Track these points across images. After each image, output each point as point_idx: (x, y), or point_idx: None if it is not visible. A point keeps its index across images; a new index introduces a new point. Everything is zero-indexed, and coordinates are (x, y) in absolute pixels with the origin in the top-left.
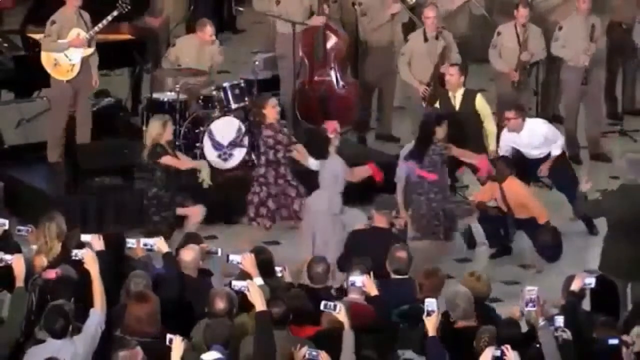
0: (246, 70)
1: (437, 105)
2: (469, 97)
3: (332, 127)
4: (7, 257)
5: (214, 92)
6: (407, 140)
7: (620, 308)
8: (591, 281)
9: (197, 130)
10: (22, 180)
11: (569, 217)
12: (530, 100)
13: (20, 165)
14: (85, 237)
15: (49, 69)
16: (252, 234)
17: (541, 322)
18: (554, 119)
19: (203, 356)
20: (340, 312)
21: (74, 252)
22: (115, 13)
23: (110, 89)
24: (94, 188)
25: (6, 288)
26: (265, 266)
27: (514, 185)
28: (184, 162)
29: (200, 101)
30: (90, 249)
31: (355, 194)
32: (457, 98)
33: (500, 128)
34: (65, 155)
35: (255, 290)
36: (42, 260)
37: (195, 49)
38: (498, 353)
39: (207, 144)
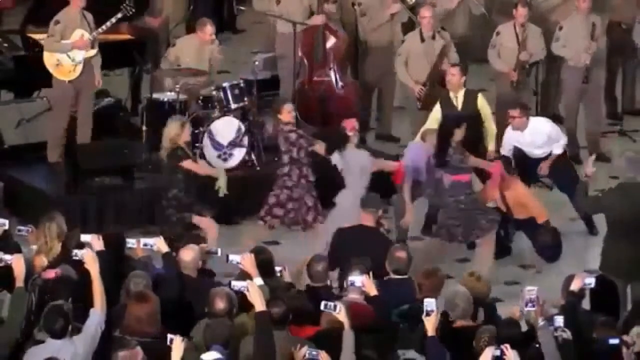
0: (246, 70)
1: (437, 106)
2: (470, 98)
3: (350, 125)
4: (7, 257)
5: (214, 92)
6: (407, 140)
7: (620, 308)
8: (591, 281)
9: (197, 131)
10: (22, 180)
11: (569, 217)
12: (529, 100)
13: (20, 165)
14: (85, 237)
15: (51, 69)
16: (252, 234)
17: (541, 322)
18: (554, 118)
19: (203, 356)
20: (340, 312)
21: (74, 252)
22: (119, 15)
23: (110, 89)
24: (94, 188)
25: (6, 288)
26: (265, 266)
27: (513, 184)
28: (203, 168)
29: (200, 101)
30: (90, 249)
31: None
32: (458, 99)
33: (499, 128)
34: (65, 155)
35: (255, 290)
36: (42, 260)
37: (195, 49)
38: (498, 353)
39: (207, 144)
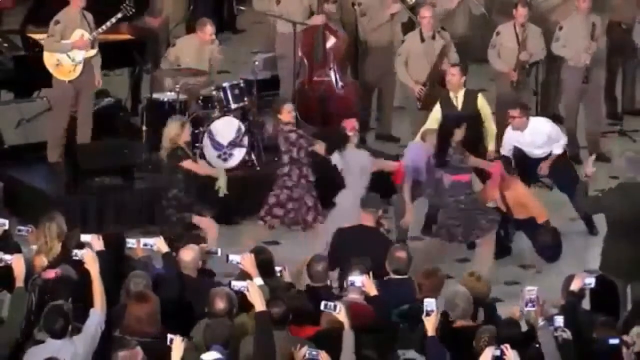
0: (246, 70)
1: (437, 106)
2: (470, 98)
3: (350, 125)
4: (7, 257)
5: (214, 92)
6: (407, 140)
7: (620, 308)
8: (591, 281)
9: (196, 131)
10: (22, 180)
11: (569, 217)
12: (529, 100)
13: (20, 165)
14: (85, 237)
15: (51, 69)
16: (252, 234)
17: (541, 322)
18: (554, 118)
19: (203, 356)
20: (340, 312)
21: (74, 252)
22: (119, 15)
23: (110, 89)
24: (94, 188)
25: (6, 288)
26: (265, 266)
27: (513, 184)
28: (203, 168)
29: (200, 101)
30: (90, 249)
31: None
32: (458, 99)
33: (499, 128)
34: (65, 155)
35: (254, 290)
36: (42, 260)
37: (195, 49)
38: (498, 353)
39: (207, 144)
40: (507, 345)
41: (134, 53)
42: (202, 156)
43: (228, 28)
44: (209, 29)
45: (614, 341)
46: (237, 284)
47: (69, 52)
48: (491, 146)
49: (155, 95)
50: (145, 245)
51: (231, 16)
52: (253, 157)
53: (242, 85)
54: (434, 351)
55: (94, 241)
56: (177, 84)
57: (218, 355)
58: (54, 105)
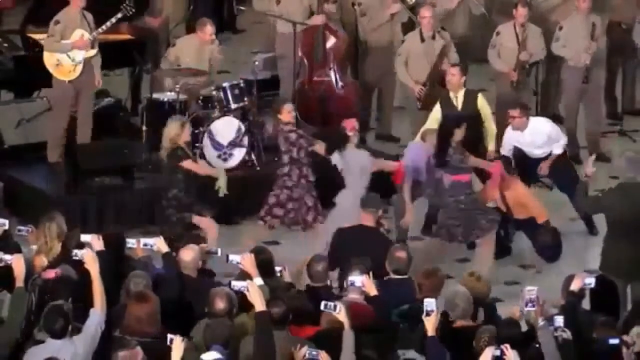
0: (246, 70)
1: (437, 106)
2: (470, 98)
3: (350, 125)
4: (7, 257)
5: (214, 92)
6: (407, 140)
7: (620, 308)
8: (591, 281)
9: (196, 131)
10: (22, 181)
11: (568, 217)
12: (529, 100)
13: (20, 165)
14: (85, 237)
15: (51, 69)
16: (252, 234)
17: (540, 322)
18: (554, 119)
19: (203, 356)
20: (340, 313)
21: (74, 252)
22: (119, 15)
23: (110, 89)
24: (94, 188)
25: (6, 288)
26: (265, 266)
27: (512, 184)
28: (203, 168)
29: (200, 101)
30: (90, 249)
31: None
32: (459, 99)
33: (499, 128)
34: (65, 155)
35: (254, 290)
36: (42, 260)
37: (195, 49)
38: (498, 353)
39: (207, 144)
40: (507, 345)
41: (134, 53)
42: (202, 156)
43: (228, 28)
44: (209, 28)
45: (614, 341)
46: (237, 284)
47: (69, 52)
48: (491, 146)
49: (155, 95)
50: (145, 245)
51: (231, 16)
52: (253, 157)
53: (242, 85)
54: (433, 351)
55: (94, 241)
56: (177, 84)
57: (218, 355)
58: (54, 105)
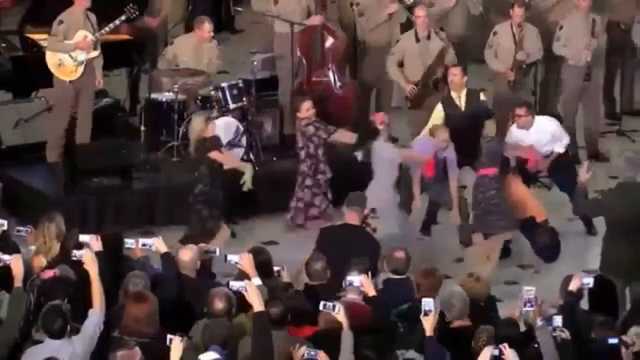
0: (244, 71)
1: (439, 106)
2: (472, 97)
3: (380, 119)
4: (6, 257)
5: (212, 92)
6: (406, 140)
7: (619, 308)
8: (589, 281)
9: None
10: (20, 181)
11: (567, 217)
12: (527, 99)
13: (19, 165)
14: (83, 238)
15: (52, 68)
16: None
17: (539, 322)
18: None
19: (201, 356)
20: (339, 313)
21: (73, 252)
22: (123, 18)
23: (108, 89)
24: (93, 188)
25: (5, 288)
26: (264, 266)
27: (512, 184)
28: (230, 160)
29: (198, 101)
30: (89, 250)
31: None
32: (461, 98)
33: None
34: (64, 155)
35: (253, 290)
36: (40, 261)
37: (193, 48)
38: (496, 352)
39: None
40: (506, 345)
41: (133, 53)
42: None
43: (226, 28)
44: (207, 26)
45: (612, 341)
46: (235, 284)
47: (72, 52)
48: None
49: (153, 96)
50: (143, 245)
51: (229, 16)
52: (252, 156)
53: (240, 85)
54: (432, 351)
55: (93, 241)
56: (176, 84)
57: (216, 356)
58: (55, 105)
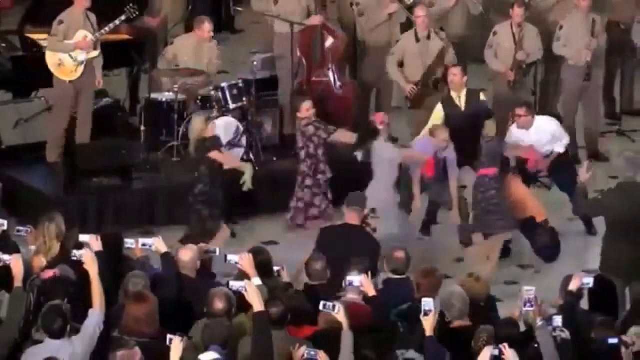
0: (244, 71)
1: (439, 106)
2: (472, 97)
3: (380, 119)
4: (6, 257)
5: (212, 93)
6: (406, 140)
7: (619, 308)
8: (589, 281)
9: None
10: (20, 181)
11: (567, 217)
12: (527, 99)
13: (19, 165)
14: (83, 238)
15: (52, 68)
16: (250, 234)
17: (539, 322)
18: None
19: (201, 356)
20: (339, 313)
21: (73, 252)
22: (123, 18)
23: (108, 89)
24: (92, 188)
25: (4, 288)
26: (264, 266)
27: (512, 184)
28: (230, 160)
29: (198, 101)
30: (89, 250)
31: None
32: (462, 98)
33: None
34: (64, 155)
35: (253, 290)
36: (40, 261)
37: (193, 47)
38: (496, 352)
39: None
40: (506, 345)
41: (133, 53)
42: None
43: (226, 28)
44: (207, 26)
45: (612, 341)
46: (235, 284)
47: (72, 52)
48: None
49: (153, 96)
50: (143, 245)
51: (229, 16)
52: (252, 157)
53: (240, 85)
54: (432, 351)
55: (93, 241)
56: (176, 84)
57: (216, 356)
58: (55, 105)
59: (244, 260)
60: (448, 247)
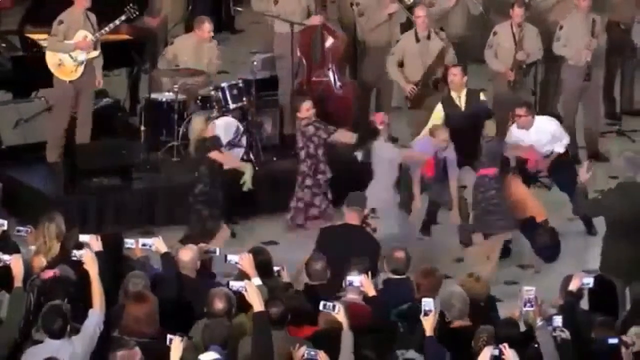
0: (244, 71)
1: (439, 106)
2: (472, 97)
3: (380, 119)
4: (6, 257)
5: (212, 93)
6: (406, 140)
7: (619, 308)
8: (589, 281)
9: None
10: (20, 181)
11: (567, 217)
12: (527, 99)
13: (19, 165)
14: (83, 238)
15: (52, 68)
16: (250, 234)
17: (539, 322)
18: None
19: (201, 356)
20: (339, 313)
21: (73, 252)
22: (123, 18)
23: (108, 89)
24: (93, 188)
25: (4, 288)
26: (264, 266)
27: (512, 184)
28: (230, 160)
29: (198, 101)
30: (89, 250)
31: None
32: (462, 98)
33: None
34: (64, 155)
35: (252, 290)
36: (40, 261)
37: (193, 48)
38: (496, 352)
39: None
40: (506, 345)
41: (133, 53)
42: None
43: (226, 28)
44: (207, 26)
45: (612, 341)
46: (235, 284)
47: (72, 52)
48: None
49: (153, 96)
50: (143, 245)
51: (229, 16)
52: (252, 157)
53: (240, 85)
54: (432, 351)
55: (93, 241)
56: (176, 84)
57: (216, 356)
58: (55, 105)
59: (244, 260)
60: (448, 247)
